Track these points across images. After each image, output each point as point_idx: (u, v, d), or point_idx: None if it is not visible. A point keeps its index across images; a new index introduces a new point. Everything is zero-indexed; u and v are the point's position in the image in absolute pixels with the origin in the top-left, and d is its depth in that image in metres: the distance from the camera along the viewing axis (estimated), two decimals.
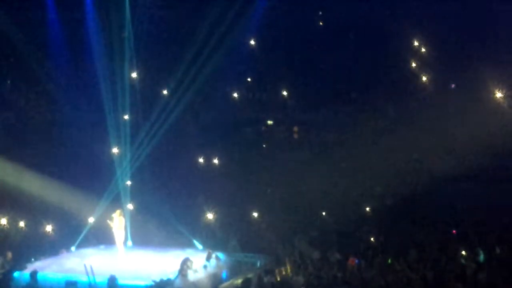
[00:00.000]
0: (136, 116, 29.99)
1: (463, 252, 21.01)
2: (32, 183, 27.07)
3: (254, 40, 30.83)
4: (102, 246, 25.43)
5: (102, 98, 28.67)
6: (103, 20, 29.23)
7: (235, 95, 31.69)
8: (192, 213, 27.12)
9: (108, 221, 24.39)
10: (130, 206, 25.75)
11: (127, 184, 27.51)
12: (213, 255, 23.22)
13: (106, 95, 28.69)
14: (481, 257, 20.62)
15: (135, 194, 27.45)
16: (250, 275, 20.72)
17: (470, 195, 26.80)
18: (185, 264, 21.33)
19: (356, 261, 21.28)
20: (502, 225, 24.17)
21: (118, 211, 24.64)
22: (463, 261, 20.25)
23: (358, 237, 24.50)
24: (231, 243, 25.08)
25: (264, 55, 30.95)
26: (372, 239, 24.09)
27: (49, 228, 25.33)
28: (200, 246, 25.23)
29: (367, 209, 27.13)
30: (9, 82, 30.72)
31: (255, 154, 31.22)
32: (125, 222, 24.76)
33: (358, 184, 28.47)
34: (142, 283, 20.09)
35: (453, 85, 29.86)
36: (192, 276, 21.22)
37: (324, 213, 27.30)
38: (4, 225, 25.06)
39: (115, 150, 28.42)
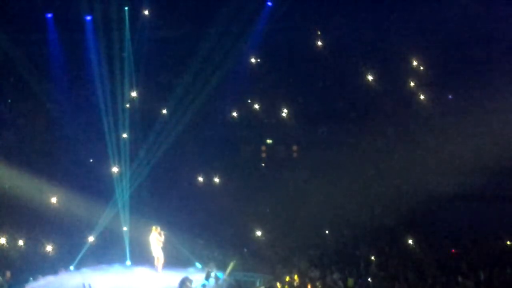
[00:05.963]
0: (136, 135, 30.05)
1: (463, 272, 20.96)
2: (31, 202, 27.05)
3: (253, 59, 30.93)
4: (101, 266, 25.38)
5: (102, 116, 28.78)
6: (103, 40, 29.36)
7: (235, 114, 31.75)
8: (192, 231, 27.06)
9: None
10: (124, 228, 25.71)
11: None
12: (212, 274, 23.17)
13: (106, 114, 28.80)
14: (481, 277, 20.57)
15: (135, 212, 27.43)
16: None
17: (470, 214, 26.78)
18: (184, 284, 21.30)
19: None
20: (502, 244, 24.13)
21: (154, 227, 24.55)
22: (463, 280, 20.21)
23: (358, 256, 24.41)
24: (229, 262, 25.00)
25: (263, 74, 31.01)
26: (372, 258, 24.01)
27: (48, 247, 25.28)
28: (199, 265, 25.16)
29: (367, 228, 27.06)
30: (9, 101, 30.73)
31: (254, 173, 31.23)
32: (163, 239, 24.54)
33: (358, 203, 28.43)
34: None
35: (450, 96, 29.84)
36: None
37: (324, 232, 27.22)
38: (3, 244, 24.99)
39: (115, 168, 28.48)
